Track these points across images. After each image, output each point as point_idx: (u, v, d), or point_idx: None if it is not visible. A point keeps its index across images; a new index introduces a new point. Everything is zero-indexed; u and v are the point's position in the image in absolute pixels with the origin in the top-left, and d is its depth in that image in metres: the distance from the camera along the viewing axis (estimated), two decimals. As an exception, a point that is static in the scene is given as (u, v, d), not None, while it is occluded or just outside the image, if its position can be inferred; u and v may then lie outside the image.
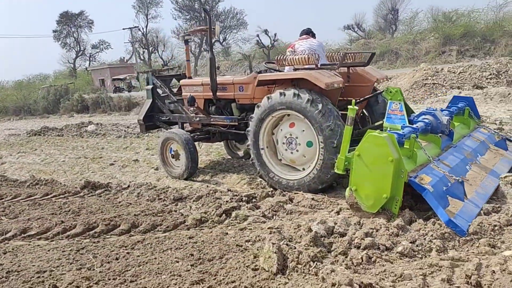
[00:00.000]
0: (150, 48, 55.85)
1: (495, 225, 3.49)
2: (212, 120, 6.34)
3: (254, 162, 5.44)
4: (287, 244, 3.42)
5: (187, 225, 4.39)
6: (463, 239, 3.39)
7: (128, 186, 6.18)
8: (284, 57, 5.29)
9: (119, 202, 5.40)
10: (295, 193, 4.95)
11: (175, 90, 7.41)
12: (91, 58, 62.64)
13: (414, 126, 4.48)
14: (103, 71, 49.63)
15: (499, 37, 27.63)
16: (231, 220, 4.42)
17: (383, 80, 5.72)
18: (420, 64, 22.19)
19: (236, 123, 6.11)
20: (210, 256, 3.50)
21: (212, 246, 3.68)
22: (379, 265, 3.14)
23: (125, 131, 13.41)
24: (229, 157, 7.64)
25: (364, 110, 5.87)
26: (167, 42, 56.75)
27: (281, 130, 5.24)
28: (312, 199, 4.72)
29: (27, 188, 6.67)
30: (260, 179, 5.84)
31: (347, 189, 4.11)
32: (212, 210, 4.68)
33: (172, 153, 6.43)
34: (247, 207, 4.71)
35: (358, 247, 3.39)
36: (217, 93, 6.22)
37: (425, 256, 3.24)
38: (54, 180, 6.90)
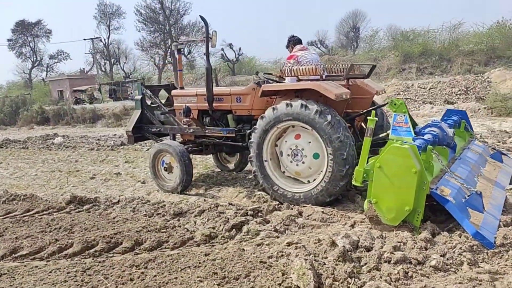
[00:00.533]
0: (112, 60, 54.59)
1: (520, 237, 3.50)
2: (207, 131, 6.13)
3: (256, 174, 5.28)
4: (315, 260, 3.29)
5: (196, 241, 4.16)
6: (491, 251, 3.37)
7: (119, 201, 5.84)
8: (290, 67, 5.20)
9: (114, 218, 5.07)
10: (303, 206, 4.82)
11: (163, 101, 7.15)
12: (48, 69, 60.45)
13: (425, 137, 4.49)
14: (62, 82, 48.03)
15: (455, 56, 28.98)
16: (243, 235, 4.23)
17: (382, 92, 5.74)
18: (391, 79, 22.78)
19: (233, 135, 5.94)
20: (235, 274, 3.30)
21: (234, 264, 3.47)
22: (417, 280, 3.05)
23: (96, 143, 12.88)
24: (219, 170, 7.44)
25: (363, 123, 5.86)
26: (129, 54, 55.61)
27: (286, 141, 5.13)
28: (323, 212, 4.61)
29: (3, 204, 6.18)
30: (260, 192, 5.67)
31: (366, 201, 4.04)
32: (220, 225, 4.48)
33: (165, 165, 6.16)
34: (256, 221, 4.53)
35: (389, 262, 3.30)
36: (213, 104, 6.04)
37: (458, 270, 3.18)
38: (33, 195, 6.43)
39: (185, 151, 5.99)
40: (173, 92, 6.68)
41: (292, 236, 4.17)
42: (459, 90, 13.20)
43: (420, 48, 30.87)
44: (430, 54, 30.60)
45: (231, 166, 7.32)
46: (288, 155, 5.10)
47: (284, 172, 5.25)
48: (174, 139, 6.61)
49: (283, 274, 3.25)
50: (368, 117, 3.96)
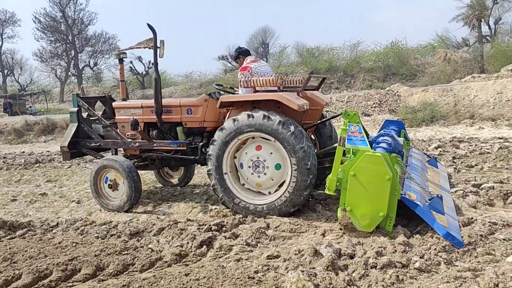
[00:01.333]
0: (5, 71, 49.96)
1: (481, 235, 3.80)
2: (155, 145, 5.83)
3: (216, 188, 5.12)
4: (305, 271, 3.25)
5: (166, 262, 3.89)
6: (461, 250, 3.60)
7: (58, 223, 5.29)
8: (248, 78, 5.15)
9: (60, 242, 4.54)
10: (268, 218, 4.77)
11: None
12: None
13: (382, 146, 4.71)
14: None
15: (357, 72, 31.22)
16: (216, 251, 4.05)
17: (329, 104, 5.94)
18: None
19: (184, 148, 5.72)
20: (226, 293, 3.13)
21: (222, 282, 3.30)
22: (408, 282, 3.16)
23: (3, 162, 11.60)
24: (161, 185, 7.10)
25: (313, 134, 5.99)
26: (25, 64, 51.32)
27: (246, 153, 5.05)
28: (290, 223, 4.59)
29: None
30: (215, 207, 5.53)
31: (339, 209, 4.11)
32: (187, 243, 4.25)
33: (109, 182, 5.72)
34: (224, 236, 4.37)
35: (375, 267, 3.38)
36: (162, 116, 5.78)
37: (438, 270, 3.35)
38: None
39: (133, 167, 5.63)
40: (115, 104, 6.26)
41: (266, 248, 4.09)
42: (374, 103, 14.20)
43: (327, 64, 32.70)
44: (336, 70, 32.56)
45: (174, 181, 7.03)
46: (249, 166, 5.03)
47: (243, 184, 5.16)
48: (116, 153, 6.19)
49: (276, 288, 3.16)
50: (340, 127, 4.05)
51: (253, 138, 5.02)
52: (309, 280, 3.01)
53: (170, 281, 3.40)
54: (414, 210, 3.90)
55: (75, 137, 6.18)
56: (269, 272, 3.45)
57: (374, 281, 3.14)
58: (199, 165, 6.78)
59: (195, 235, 4.37)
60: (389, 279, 3.13)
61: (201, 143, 5.71)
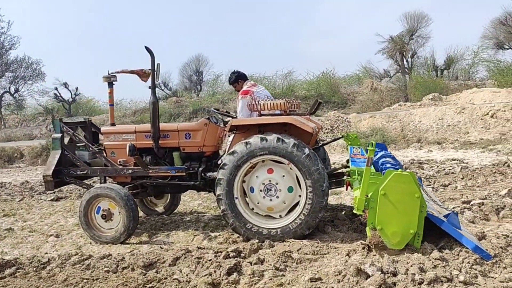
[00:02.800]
0: None
1: (501, 247, 4.07)
2: (150, 171, 5.57)
3: (226, 213, 4.98)
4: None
5: (202, 292, 3.70)
6: (490, 262, 3.82)
7: (49, 260, 4.80)
8: (259, 102, 5.15)
9: (65, 280, 4.14)
10: (286, 241, 4.72)
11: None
12: None
13: (388, 166, 4.93)
14: None
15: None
16: (250, 278, 3.92)
17: (322, 129, 6.10)
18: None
19: (183, 174, 5.53)
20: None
21: (281, 307, 3.21)
22: (462, 295, 3.28)
23: None
24: (144, 214, 6.75)
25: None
26: None
27: (257, 177, 5.01)
28: (310, 245, 4.58)
29: None
30: (219, 233, 5.40)
31: (368, 228, 4.19)
32: (214, 271, 4.07)
33: (102, 213, 5.34)
34: (250, 262, 4.26)
35: (421, 283, 3.48)
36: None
37: (476, 283, 3.53)
38: None
39: (130, 195, 5.32)
40: (105, 129, 5.92)
41: (296, 272, 4.04)
42: (326, 129, 14.76)
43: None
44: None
45: (159, 209, 6.73)
46: (261, 190, 4.98)
47: (252, 209, 5.08)
48: (105, 181, 5.81)
49: (340, 310, 3.13)
50: (368, 148, 4.18)
51: (263, 161, 5.00)
52: (378, 299, 3.02)
53: (225, 311, 3.23)
54: (440, 226, 4.09)
55: (57, 165, 5.73)
56: (321, 295, 3.41)
57: (433, 296, 3.22)
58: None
59: (220, 263, 4.21)
60: (447, 293, 3.23)
61: (200, 168, 5.57)
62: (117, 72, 5.81)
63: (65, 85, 41.56)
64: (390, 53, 33.61)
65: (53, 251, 5.32)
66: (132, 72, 5.74)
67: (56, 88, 40.58)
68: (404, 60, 34.68)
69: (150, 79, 5.50)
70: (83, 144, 5.90)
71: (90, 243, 5.45)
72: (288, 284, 3.72)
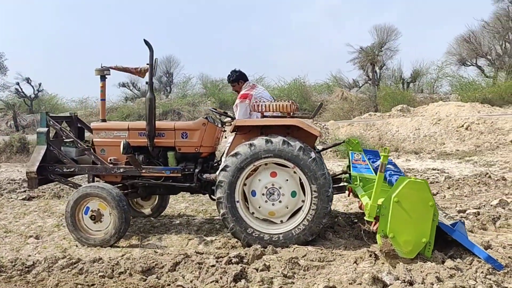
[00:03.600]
0: None
1: (509, 257, 4.06)
2: (144, 171, 5.29)
3: (226, 217, 4.77)
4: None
5: (210, 300, 3.49)
6: (502, 272, 3.80)
7: (34, 263, 4.44)
8: (263, 103, 4.98)
9: (57, 285, 3.83)
10: (290, 247, 4.57)
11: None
12: None
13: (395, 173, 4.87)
14: None
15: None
16: (260, 285, 3.74)
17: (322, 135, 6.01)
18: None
19: (179, 174, 5.28)
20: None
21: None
22: (485, 305, 3.22)
23: None
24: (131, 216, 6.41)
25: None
26: None
27: (260, 180, 4.83)
28: (315, 252, 4.44)
29: None
30: (214, 237, 5.19)
31: (378, 236, 4.10)
32: (220, 278, 3.87)
33: (91, 213, 5.01)
34: (255, 269, 4.07)
35: (441, 292, 3.41)
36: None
37: (494, 292, 3.49)
38: None
39: (122, 195, 5.02)
40: (94, 125, 5.58)
41: (306, 279, 3.89)
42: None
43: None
44: (243, 103, 33.07)
45: (146, 211, 6.42)
46: (263, 194, 4.81)
47: (253, 213, 4.90)
48: (93, 180, 5.48)
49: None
50: (382, 154, 4.09)
51: (265, 164, 4.84)
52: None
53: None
54: (451, 236, 4.05)
55: (42, 162, 5.34)
56: (341, 304, 3.28)
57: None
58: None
59: (225, 269, 4.00)
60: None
61: (197, 170, 5.34)
62: (110, 67, 5.50)
63: (28, 80, 39.97)
64: (362, 63, 34.32)
65: (35, 254, 4.94)
66: (126, 70, 5.46)
67: (18, 83, 38.96)
68: (374, 71, 35.44)
69: (147, 75, 5.24)
70: (71, 140, 5.54)
71: (76, 246, 5.10)
72: (302, 292, 3.56)
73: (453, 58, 34.25)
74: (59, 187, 8.76)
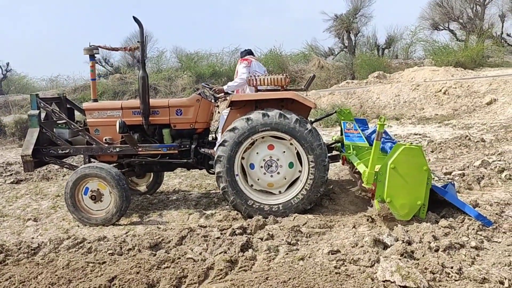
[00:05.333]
0: None
1: (496, 214, 4.33)
2: (140, 149, 5.33)
3: (226, 191, 4.90)
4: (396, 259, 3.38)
5: (222, 270, 3.63)
6: (491, 228, 4.06)
7: (39, 245, 4.49)
8: (257, 77, 5.04)
9: (68, 265, 3.89)
10: (290, 216, 4.74)
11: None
12: None
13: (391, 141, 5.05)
14: None
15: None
16: (267, 253, 3.91)
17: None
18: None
19: (175, 151, 5.35)
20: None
21: (313, 280, 3.22)
22: (480, 260, 3.48)
23: None
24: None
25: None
26: None
27: (257, 153, 4.95)
28: (316, 219, 4.63)
29: None
30: (215, 211, 5.33)
31: (376, 201, 4.29)
32: (228, 248, 4.01)
33: (91, 194, 5.05)
34: (260, 238, 4.24)
35: (437, 250, 3.64)
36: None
37: (487, 247, 3.74)
38: None
39: (121, 174, 5.07)
40: (87, 105, 5.54)
41: (310, 245, 4.08)
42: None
43: (211, 69, 32.83)
44: (220, 75, 32.87)
45: (142, 188, 6.48)
46: (261, 166, 4.94)
47: (252, 185, 5.03)
48: (89, 161, 5.48)
49: (372, 280, 3.21)
50: (378, 122, 4.24)
51: (262, 138, 4.94)
52: (411, 267, 3.13)
53: (259, 287, 3.21)
54: (444, 197, 4.28)
55: (36, 144, 5.31)
56: (346, 265, 3.48)
57: (453, 261, 3.38)
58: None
59: (232, 240, 4.15)
60: (470, 258, 3.42)
61: (193, 145, 5.41)
62: (99, 46, 5.43)
63: (-5, 61, 38.43)
64: (337, 31, 34.30)
65: (37, 236, 4.99)
66: (114, 49, 5.41)
67: (-16, 64, 37.50)
68: (350, 39, 35.49)
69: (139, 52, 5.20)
70: (63, 121, 5.50)
71: (78, 226, 5.16)
72: (309, 257, 3.74)
73: (426, 23, 34.53)
74: (47, 169, 8.70)
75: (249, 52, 6.14)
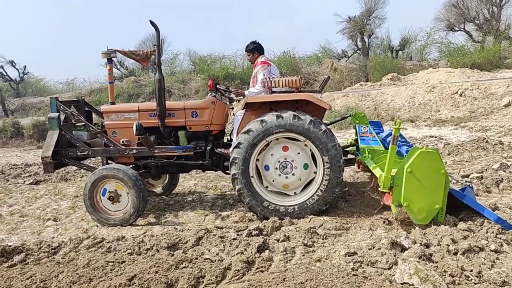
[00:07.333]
0: None
1: (515, 217, 4.28)
2: (156, 151, 5.39)
3: (242, 193, 4.92)
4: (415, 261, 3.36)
5: (239, 270, 3.65)
6: (511, 231, 4.02)
7: (59, 245, 4.57)
8: (272, 79, 5.06)
9: (88, 264, 3.95)
10: (306, 218, 4.74)
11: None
12: None
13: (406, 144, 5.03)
14: None
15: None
16: (283, 254, 3.92)
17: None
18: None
19: (191, 153, 5.40)
20: (349, 291, 3.08)
21: (330, 281, 3.23)
22: (499, 263, 3.44)
23: None
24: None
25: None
26: None
27: (272, 155, 4.97)
28: (332, 221, 4.63)
29: None
30: (229, 212, 5.37)
31: (393, 205, 4.26)
32: (245, 249, 4.04)
33: (109, 195, 5.13)
34: (276, 240, 4.25)
35: (456, 253, 3.61)
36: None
37: (507, 250, 3.70)
38: None
39: (138, 175, 5.13)
40: (105, 107, 5.63)
41: (326, 247, 4.08)
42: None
43: (224, 72, 32.94)
44: (233, 77, 32.96)
45: (157, 190, 6.54)
46: (276, 168, 4.96)
47: (267, 187, 5.05)
48: (107, 163, 5.56)
49: (390, 282, 3.20)
50: (393, 126, 4.22)
51: (277, 139, 4.96)
52: (431, 270, 3.12)
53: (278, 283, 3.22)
54: (462, 201, 4.24)
55: (56, 146, 5.41)
56: (363, 267, 3.48)
57: (472, 264, 3.35)
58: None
59: (248, 241, 4.17)
60: (488, 262, 3.39)
61: (208, 147, 5.46)
62: (117, 51, 5.52)
63: (12, 63, 39.18)
64: (351, 33, 34.16)
65: (57, 236, 5.07)
66: (131, 55, 5.50)
67: (1, 67, 38.21)
68: (363, 41, 35.32)
69: (154, 57, 5.28)
70: (82, 124, 5.59)
71: (97, 226, 5.23)
72: (326, 259, 3.75)
73: (441, 24, 34.16)
74: (65, 170, 8.83)
75: (261, 50, 5.90)
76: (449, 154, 7.81)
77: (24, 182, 8.43)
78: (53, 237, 4.96)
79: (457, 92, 13.65)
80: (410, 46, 37.13)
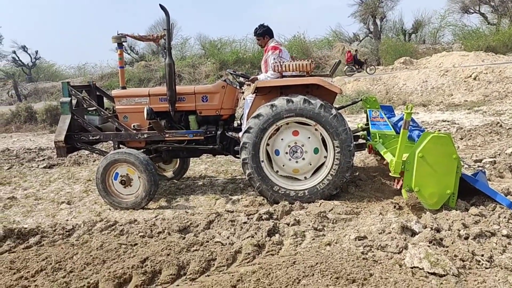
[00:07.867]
0: None
1: (528, 202, 4.24)
2: (167, 135, 5.42)
3: (252, 177, 4.94)
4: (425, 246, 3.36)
5: (249, 254, 3.69)
6: (522, 216, 3.98)
7: (73, 227, 4.66)
8: (282, 64, 5.02)
9: (101, 246, 4.03)
10: (316, 202, 4.76)
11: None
12: None
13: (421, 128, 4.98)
14: None
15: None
16: (293, 238, 3.95)
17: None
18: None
19: (201, 137, 5.42)
20: (357, 275, 3.09)
21: (341, 265, 3.24)
22: None
23: None
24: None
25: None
26: None
27: (282, 139, 4.97)
28: (342, 205, 4.64)
29: None
30: (242, 196, 5.39)
31: (403, 190, 4.25)
32: (255, 233, 4.07)
33: (120, 179, 5.19)
34: (287, 224, 4.28)
35: (467, 238, 3.60)
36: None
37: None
38: None
39: (149, 159, 5.17)
40: (116, 92, 5.66)
41: (336, 231, 4.09)
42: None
43: (234, 56, 32.82)
44: (243, 62, 32.81)
45: (168, 174, 6.60)
46: (287, 153, 4.96)
47: (277, 171, 5.06)
48: (118, 147, 5.61)
49: (400, 266, 3.21)
50: (405, 111, 4.18)
51: (287, 124, 4.95)
52: (441, 254, 3.12)
53: (286, 271, 3.25)
54: (474, 186, 4.21)
55: (68, 131, 5.47)
56: (373, 251, 3.49)
57: (484, 249, 3.34)
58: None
59: (259, 225, 4.21)
60: (502, 247, 3.37)
61: (219, 132, 5.47)
62: (127, 35, 5.52)
63: (24, 48, 39.49)
64: (362, 16, 33.74)
65: (71, 218, 5.16)
66: (141, 38, 5.49)
67: (14, 52, 38.52)
68: (375, 24, 34.88)
69: (164, 40, 5.26)
70: (93, 108, 5.64)
71: (109, 209, 5.31)
72: (336, 243, 3.76)
73: (456, 6, 33.59)
74: (77, 155, 8.94)
75: (271, 33, 5.76)
76: (461, 139, 7.74)
77: (38, 166, 8.56)
78: (67, 220, 5.04)
79: (471, 76, 13.44)
80: (423, 29, 36.61)
